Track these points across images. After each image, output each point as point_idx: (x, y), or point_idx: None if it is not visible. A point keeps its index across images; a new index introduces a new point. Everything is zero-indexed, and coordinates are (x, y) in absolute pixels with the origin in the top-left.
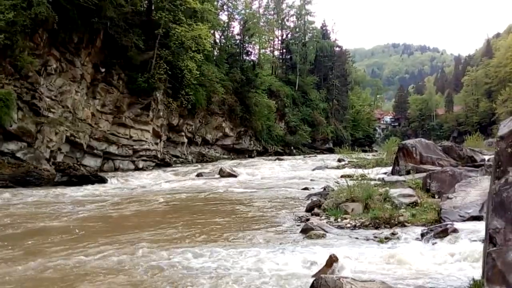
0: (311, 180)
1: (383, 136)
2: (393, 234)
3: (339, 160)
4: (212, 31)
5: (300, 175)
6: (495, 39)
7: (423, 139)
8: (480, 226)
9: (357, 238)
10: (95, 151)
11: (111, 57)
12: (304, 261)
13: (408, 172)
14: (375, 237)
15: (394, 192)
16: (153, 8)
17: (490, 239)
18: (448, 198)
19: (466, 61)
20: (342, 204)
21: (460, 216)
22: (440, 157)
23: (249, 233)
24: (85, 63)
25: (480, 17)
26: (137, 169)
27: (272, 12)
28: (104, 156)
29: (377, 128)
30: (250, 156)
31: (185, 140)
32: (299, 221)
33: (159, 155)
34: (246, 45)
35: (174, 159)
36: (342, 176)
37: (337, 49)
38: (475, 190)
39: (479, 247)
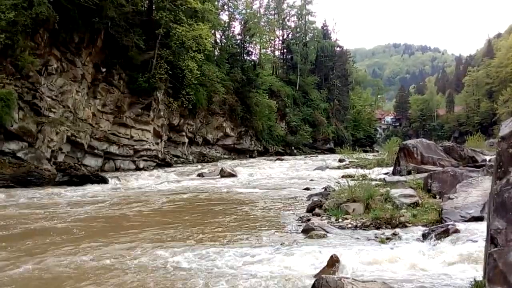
0: (312, 180)
1: (384, 136)
2: (394, 234)
3: (340, 160)
4: (212, 31)
5: (301, 175)
6: (496, 39)
7: (424, 140)
8: (482, 226)
9: (358, 238)
10: (96, 151)
11: (112, 57)
12: (305, 262)
13: (409, 173)
14: (376, 237)
15: (395, 192)
16: (153, 8)
17: (491, 239)
18: (449, 198)
19: (467, 61)
20: (343, 204)
21: (461, 216)
22: (441, 158)
23: (249, 233)
24: (86, 63)
25: (481, 17)
26: (138, 169)
27: (273, 12)
28: (105, 156)
29: (378, 128)
30: (251, 156)
31: (186, 140)
32: (300, 221)
33: (160, 155)
34: (247, 45)
35: (175, 159)
36: (343, 176)
37: (338, 49)
38: (476, 191)
39: (481, 247)
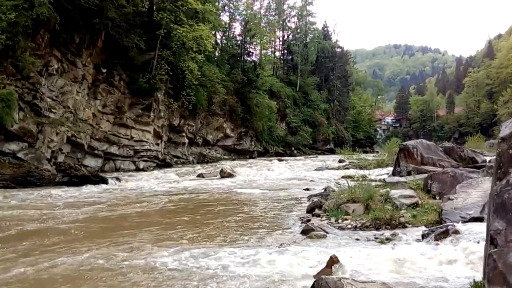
0: (312, 180)
1: (384, 137)
2: (394, 235)
3: (340, 161)
4: (213, 32)
5: (301, 175)
6: (497, 40)
7: (424, 140)
8: (481, 227)
9: (358, 239)
10: (96, 151)
11: (112, 58)
12: (305, 262)
13: (409, 173)
14: (376, 238)
15: (395, 193)
16: (154, 8)
17: (491, 240)
18: (449, 199)
19: (467, 62)
20: (343, 205)
21: (461, 217)
22: (441, 158)
23: (249, 234)
24: (87, 64)
25: (482, 18)
26: (138, 169)
27: (274, 13)
28: (105, 157)
29: (378, 129)
30: (251, 157)
31: (186, 140)
32: (299, 222)
33: (160, 156)
34: (247, 45)
35: (175, 159)
36: (343, 177)
37: (338, 50)
38: (476, 191)
39: (480, 248)
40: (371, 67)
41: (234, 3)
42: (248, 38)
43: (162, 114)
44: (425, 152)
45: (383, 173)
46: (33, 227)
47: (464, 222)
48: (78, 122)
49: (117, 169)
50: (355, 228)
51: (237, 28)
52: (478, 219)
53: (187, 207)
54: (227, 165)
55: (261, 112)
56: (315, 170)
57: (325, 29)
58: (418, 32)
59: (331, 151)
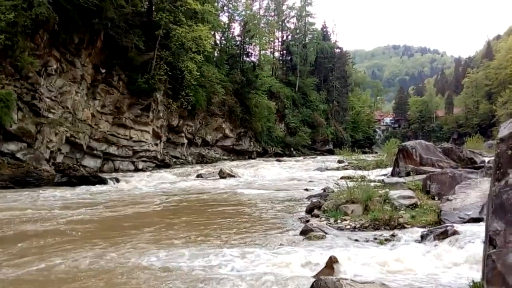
0: (311, 181)
1: (383, 137)
2: (393, 235)
3: (339, 162)
4: (212, 32)
5: (300, 176)
6: (496, 41)
7: (423, 141)
8: (480, 228)
9: (357, 239)
10: (95, 151)
11: (111, 58)
12: (304, 263)
13: (408, 174)
14: (375, 238)
15: (394, 193)
16: (153, 9)
17: (490, 241)
18: (448, 200)
19: (466, 63)
20: (342, 205)
21: (460, 218)
22: (440, 159)
23: (248, 234)
24: (86, 64)
25: (481, 19)
26: (137, 170)
27: (273, 14)
28: (104, 157)
29: (377, 129)
30: (250, 157)
31: (185, 141)
32: (298, 223)
33: (159, 156)
34: (247, 46)
35: (174, 160)
36: (342, 178)
37: (338, 50)
38: (475, 192)
39: (479, 249)
40: (370, 68)
41: (233, 3)
42: (247, 38)
43: (161, 114)
44: (424, 152)
45: (382, 173)
46: (30, 228)
47: (463, 222)
48: (77, 123)
49: (116, 170)
50: (354, 228)
51: (236, 29)
52: (477, 220)
53: (185, 208)
54: (226, 165)
55: (260, 113)
56: (314, 170)
57: (324, 29)
58: (417, 32)
59: (330, 152)
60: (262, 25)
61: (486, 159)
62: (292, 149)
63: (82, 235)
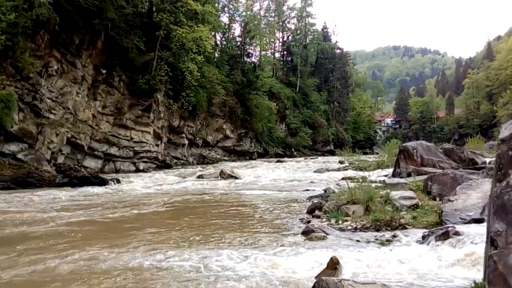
0: (312, 182)
1: (384, 138)
2: (394, 236)
3: (340, 162)
4: (213, 33)
5: (301, 177)
6: (496, 42)
7: (424, 142)
8: (482, 229)
9: (358, 240)
10: (95, 152)
11: (112, 59)
12: (305, 263)
13: (409, 175)
14: (376, 239)
15: (395, 194)
16: (154, 9)
17: (491, 242)
18: (449, 200)
19: (467, 64)
20: (343, 206)
21: (461, 218)
22: (441, 160)
23: (249, 235)
24: (86, 65)
25: (481, 20)
26: (137, 170)
27: (273, 14)
28: (105, 158)
29: (378, 130)
30: (251, 158)
31: (186, 141)
32: (300, 223)
33: (159, 157)
34: (247, 47)
35: (175, 160)
36: (343, 178)
37: (338, 51)
38: (476, 193)
39: (480, 250)
40: (370, 69)
41: (234, 4)
42: (247, 39)
43: (161, 115)
44: (425, 153)
45: (383, 174)
46: (28, 229)
47: (464, 223)
48: (78, 123)
49: (117, 170)
50: (355, 229)
51: (236, 29)
52: (478, 221)
53: (186, 209)
54: (227, 166)
55: (260, 113)
56: (315, 171)
57: (325, 30)
58: (417, 33)
59: (331, 153)
60: (262, 25)
61: (487, 160)
62: (293, 149)
63: (81, 237)
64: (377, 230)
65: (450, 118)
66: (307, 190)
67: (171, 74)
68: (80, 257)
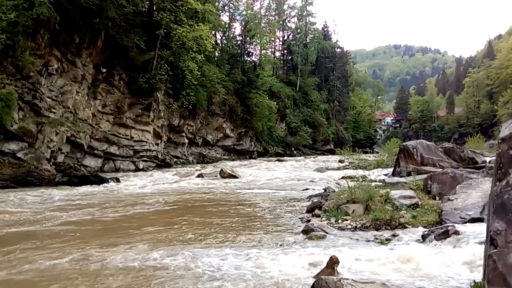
0: (312, 181)
1: (384, 137)
2: (394, 235)
3: (340, 161)
4: (213, 32)
5: (301, 176)
6: (497, 41)
7: (424, 141)
8: (481, 228)
9: (357, 239)
10: (95, 151)
11: (112, 58)
12: (305, 262)
13: (409, 174)
14: (376, 238)
15: (395, 193)
16: (154, 8)
17: (491, 241)
18: (449, 199)
19: (467, 63)
20: (343, 205)
21: (461, 218)
22: (441, 159)
23: (249, 234)
24: (86, 64)
25: (482, 19)
26: (137, 169)
27: (274, 13)
28: (105, 157)
29: (378, 129)
30: (251, 157)
31: (186, 140)
32: (299, 222)
33: (159, 156)
34: (247, 46)
35: (175, 159)
36: (343, 177)
37: (338, 50)
38: (476, 192)
39: (480, 249)
40: (371, 68)
41: (234, 3)
42: (248, 38)
43: (161, 114)
44: (425, 152)
45: (383, 173)
46: (27, 228)
47: (464, 222)
48: (77, 122)
49: (116, 169)
50: (355, 228)
51: (237, 28)
52: (478, 220)
53: (186, 208)
54: (227, 165)
55: (261, 112)
56: (315, 170)
57: (325, 29)
58: (418, 32)
59: (331, 152)
60: (263, 24)
61: (487, 159)
62: (293, 148)
63: (78, 236)
64: (377, 229)
65: (450, 117)
66: (307, 189)
67: (171, 73)
68: (74, 256)
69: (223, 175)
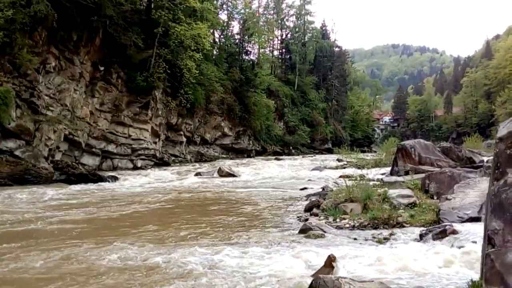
0: (310, 180)
1: (382, 136)
2: (391, 234)
3: (338, 161)
4: (211, 30)
5: (299, 175)
6: (495, 41)
7: (422, 140)
8: (479, 227)
9: (355, 238)
10: (93, 149)
11: (110, 56)
12: (303, 261)
13: (407, 173)
14: (374, 237)
15: (393, 192)
16: (152, 6)
17: (488, 240)
18: (446, 199)
19: (465, 62)
20: (341, 204)
21: (459, 217)
22: (439, 158)
23: (247, 233)
24: (84, 62)
25: (480, 19)
26: (135, 168)
27: (272, 12)
28: (103, 155)
29: (376, 128)
30: (249, 156)
31: (184, 139)
32: (297, 221)
33: (157, 154)
34: (246, 44)
35: (173, 158)
36: (341, 177)
37: (337, 49)
38: (473, 191)
39: (478, 248)
40: (369, 67)
41: (233, 1)
42: (246, 36)
43: (160, 112)
44: (423, 152)
45: (381, 172)
46: (23, 226)
47: (461, 222)
48: (75, 120)
49: (114, 168)
50: (353, 227)
51: (235, 27)
52: (476, 219)
53: (183, 206)
54: (225, 164)
55: (259, 111)
56: (313, 169)
57: (324, 28)
58: (416, 32)
59: (329, 151)
60: (261, 23)
61: (485, 159)
62: (291, 147)
63: (75, 235)
64: (375, 228)
65: (448, 116)
66: (305, 188)
67: (169, 71)
68: (69, 255)
69: (221, 173)
